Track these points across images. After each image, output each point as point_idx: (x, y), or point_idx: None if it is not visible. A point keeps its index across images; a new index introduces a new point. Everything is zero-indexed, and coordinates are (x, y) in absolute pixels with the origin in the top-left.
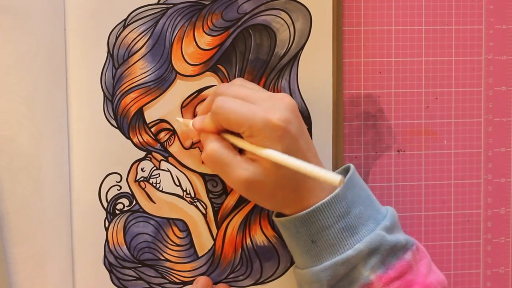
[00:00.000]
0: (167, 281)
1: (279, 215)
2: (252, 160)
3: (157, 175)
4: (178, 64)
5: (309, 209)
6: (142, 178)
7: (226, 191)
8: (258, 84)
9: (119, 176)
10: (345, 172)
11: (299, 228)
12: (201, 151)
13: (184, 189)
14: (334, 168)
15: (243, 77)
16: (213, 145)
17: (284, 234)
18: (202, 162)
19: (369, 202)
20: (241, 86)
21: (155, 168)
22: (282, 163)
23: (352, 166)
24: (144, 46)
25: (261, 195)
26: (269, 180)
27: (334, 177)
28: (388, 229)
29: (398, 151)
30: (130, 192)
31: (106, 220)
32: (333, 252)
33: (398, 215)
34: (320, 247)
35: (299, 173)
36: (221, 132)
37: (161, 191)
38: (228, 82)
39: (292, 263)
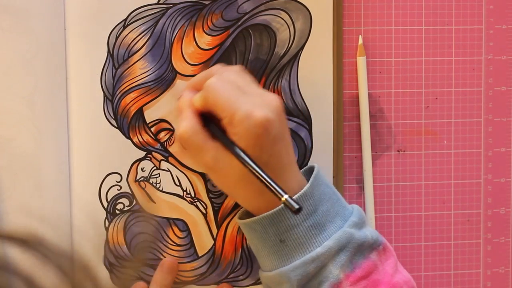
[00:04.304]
0: None
1: (243, 218)
2: (222, 149)
3: (157, 175)
4: (178, 64)
5: (276, 208)
6: (142, 178)
7: None
8: (259, 84)
9: (119, 176)
10: (309, 171)
11: (267, 228)
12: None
13: (184, 189)
14: (335, 169)
15: None
16: (186, 124)
17: (250, 236)
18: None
19: (335, 199)
20: (238, 74)
21: (155, 168)
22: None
23: (316, 165)
24: (144, 46)
25: (225, 185)
26: (233, 172)
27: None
28: (356, 224)
29: (398, 151)
30: (130, 192)
31: (106, 220)
32: (302, 251)
33: (398, 215)
34: (289, 246)
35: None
36: (204, 113)
37: (161, 191)
38: None
39: None
